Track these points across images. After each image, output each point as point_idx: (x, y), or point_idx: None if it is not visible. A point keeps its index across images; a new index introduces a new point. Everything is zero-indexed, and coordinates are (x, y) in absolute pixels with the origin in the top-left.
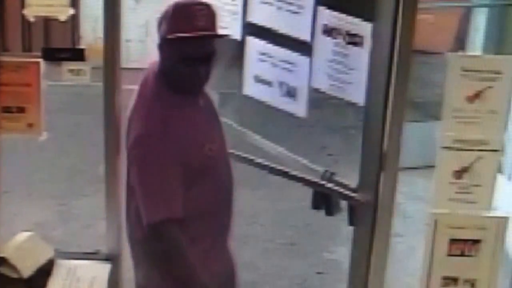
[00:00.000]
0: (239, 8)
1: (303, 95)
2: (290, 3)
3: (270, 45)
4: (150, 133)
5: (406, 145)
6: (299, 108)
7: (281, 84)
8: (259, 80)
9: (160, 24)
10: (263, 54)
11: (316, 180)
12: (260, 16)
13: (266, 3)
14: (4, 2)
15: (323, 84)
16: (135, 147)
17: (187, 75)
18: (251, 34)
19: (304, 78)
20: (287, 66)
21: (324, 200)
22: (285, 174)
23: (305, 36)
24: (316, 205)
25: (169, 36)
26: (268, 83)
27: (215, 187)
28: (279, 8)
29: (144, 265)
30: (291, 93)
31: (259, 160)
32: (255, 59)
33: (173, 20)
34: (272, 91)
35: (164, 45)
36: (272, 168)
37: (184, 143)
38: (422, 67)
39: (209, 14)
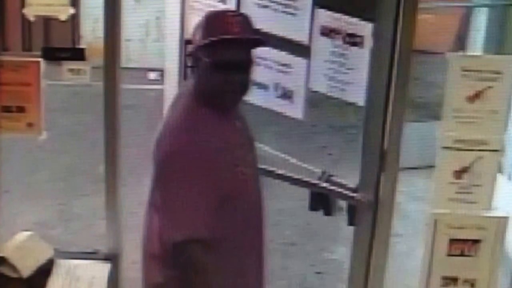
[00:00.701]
0: None
1: (300, 97)
2: (287, 5)
3: (265, 48)
4: (181, 149)
5: (406, 145)
6: (296, 110)
7: (276, 86)
8: (254, 84)
9: (193, 36)
10: (258, 57)
11: (314, 181)
12: (255, 19)
13: (261, 6)
14: (4, 1)
15: (321, 85)
16: (164, 163)
17: (224, 83)
18: None
19: (301, 80)
20: (283, 68)
21: (322, 201)
22: (283, 177)
23: (302, 38)
24: (313, 207)
25: (204, 41)
26: (264, 86)
27: (244, 211)
28: (275, 10)
29: (162, 284)
30: (287, 95)
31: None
32: None
33: (207, 28)
34: (267, 93)
35: (199, 54)
36: (270, 171)
37: (215, 163)
38: (423, 67)
39: (244, 21)
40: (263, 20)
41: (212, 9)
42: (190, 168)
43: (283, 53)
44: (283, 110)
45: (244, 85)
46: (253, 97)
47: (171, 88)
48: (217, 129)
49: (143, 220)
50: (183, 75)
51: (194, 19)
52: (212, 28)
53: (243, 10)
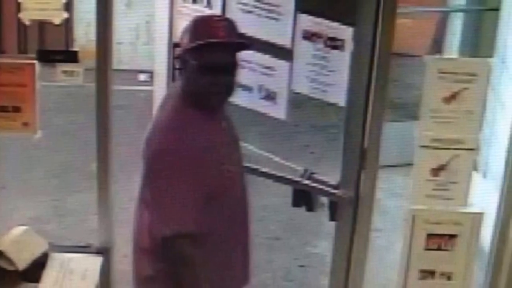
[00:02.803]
0: None
1: (282, 98)
2: (270, 10)
3: (249, 51)
4: (169, 148)
5: (385, 144)
6: (279, 110)
7: (260, 87)
8: (238, 85)
9: (181, 39)
10: (243, 60)
11: (297, 179)
12: (240, 24)
13: (246, 11)
14: (0, 6)
15: (303, 87)
16: (153, 160)
17: (210, 85)
18: None
19: (284, 82)
20: (267, 70)
21: (304, 198)
22: (267, 175)
23: (285, 41)
24: (296, 203)
25: (192, 45)
26: (248, 88)
27: (230, 207)
28: (259, 15)
29: (151, 277)
30: (270, 96)
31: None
32: None
33: (194, 32)
34: (251, 95)
35: (186, 56)
36: (254, 170)
37: (202, 161)
38: (401, 69)
39: (229, 26)
40: (248, 25)
41: (199, 14)
42: (178, 165)
43: (267, 56)
44: (266, 111)
45: (229, 87)
46: (238, 98)
47: (160, 89)
48: (204, 128)
49: (134, 216)
50: (172, 77)
51: (182, 23)
52: (199, 32)
53: (228, 15)
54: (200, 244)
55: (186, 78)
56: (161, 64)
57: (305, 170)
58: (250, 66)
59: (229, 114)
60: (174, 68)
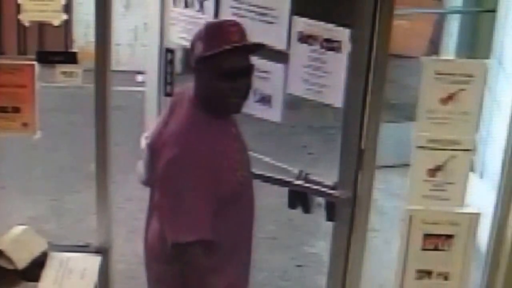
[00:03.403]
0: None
1: (278, 101)
2: (264, 14)
3: None
4: (184, 155)
5: (382, 145)
6: (274, 113)
7: (254, 91)
8: None
9: (193, 46)
10: None
11: (293, 180)
12: None
13: (240, 15)
14: (0, 7)
15: (299, 89)
16: (168, 168)
17: (228, 90)
18: None
19: (279, 85)
20: (262, 74)
21: (300, 199)
22: (263, 177)
23: (281, 45)
24: (292, 205)
25: (208, 53)
26: None
27: (243, 212)
28: (253, 19)
29: (162, 285)
30: (265, 99)
31: None
32: None
33: (208, 38)
34: None
35: (202, 64)
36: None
37: (217, 167)
38: (398, 70)
39: (241, 30)
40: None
41: (193, 19)
42: (194, 172)
43: (261, 59)
44: (262, 115)
45: (247, 90)
46: None
47: (152, 91)
48: (218, 134)
49: (145, 223)
50: (164, 81)
51: (174, 28)
52: (213, 38)
53: (221, 18)
54: (213, 250)
55: (203, 85)
56: (153, 67)
57: (300, 172)
58: None
59: (236, 119)
60: (166, 72)
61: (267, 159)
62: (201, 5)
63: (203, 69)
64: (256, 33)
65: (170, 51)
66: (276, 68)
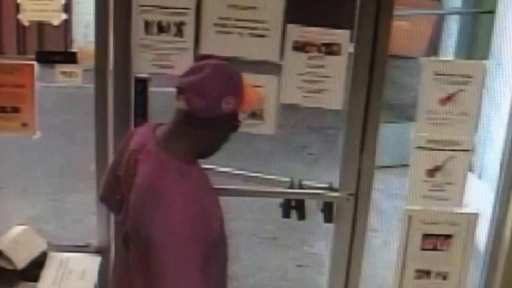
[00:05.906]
0: (190, 44)
1: (270, 114)
2: (254, 28)
3: None
4: (177, 221)
5: (382, 145)
6: (267, 127)
7: None
8: None
9: (220, 97)
10: None
11: (288, 190)
12: (217, 46)
13: (223, 32)
14: (0, 8)
15: (294, 98)
16: (165, 238)
17: (227, 139)
18: None
19: (272, 98)
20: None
21: (293, 207)
22: (257, 193)
23: (273, 57)
24: (286, 214)
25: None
26: None
27: (225, 253)
28: (240, 34)
29: None
30: (256, 113)
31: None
32: None
33: (240, 93)
34: None
35: (226, 118)
36: (244, 191)
37: (205, 216)
38: (397, 70)
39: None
40: (228, 47)
41: (169, 44)
42: (188, 233)
43: (253, 75)
44: (254, 131)
45: None
46: None
47: None
48: (198, 184)
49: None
50: (134, 111)
51: (145, 56)
52: (243, 93)
53: (203, 39)
54: None
55: (212, 137)
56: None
57: (292, 181)
58: None
59: None
60: (136, 104)
61: (258, 174)
62: (179, 30)
63: (223, 122)
64: (245, 49)
65: (141, 80)
66: (268, 80)
